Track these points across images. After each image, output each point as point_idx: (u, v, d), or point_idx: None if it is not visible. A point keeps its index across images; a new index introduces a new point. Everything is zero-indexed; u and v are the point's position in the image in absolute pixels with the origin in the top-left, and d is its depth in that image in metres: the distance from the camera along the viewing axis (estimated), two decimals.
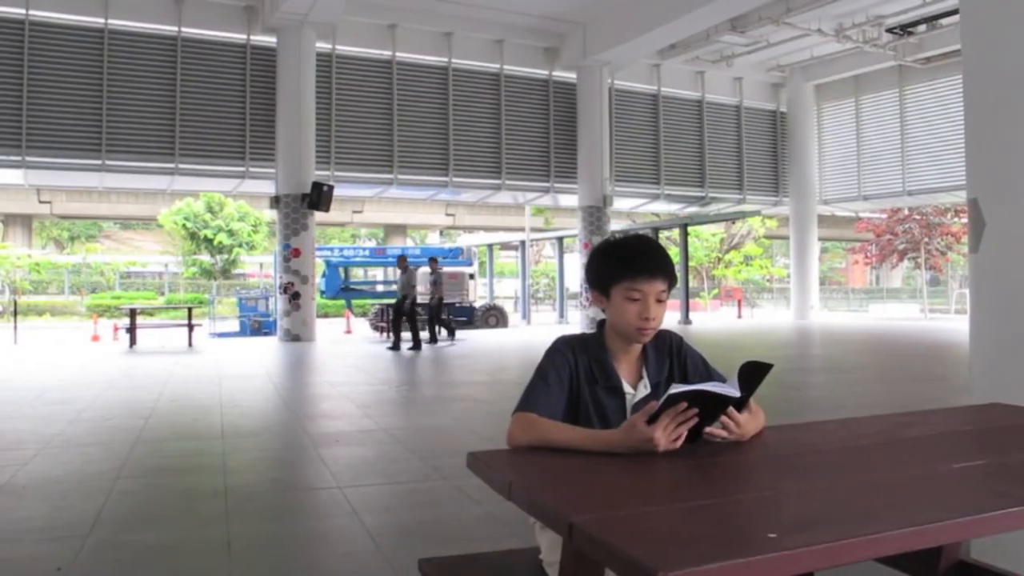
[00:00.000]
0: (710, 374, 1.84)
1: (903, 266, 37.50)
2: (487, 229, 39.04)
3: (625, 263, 1.76)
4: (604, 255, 1.81)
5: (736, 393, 1.53)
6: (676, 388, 1.49)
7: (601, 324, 1.86)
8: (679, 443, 1.52)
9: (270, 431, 6.03)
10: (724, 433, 1.59)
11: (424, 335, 14.03)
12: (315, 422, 6.29)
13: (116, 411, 6.75)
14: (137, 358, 12.12)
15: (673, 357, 1.85)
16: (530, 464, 1.56)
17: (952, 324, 20.15)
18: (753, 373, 1.57)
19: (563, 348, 1.81)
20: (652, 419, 1.49)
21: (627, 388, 1.80)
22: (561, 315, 25.34)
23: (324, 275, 22.16)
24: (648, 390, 1.79)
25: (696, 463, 1.51)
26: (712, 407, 1.54)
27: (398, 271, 13.76)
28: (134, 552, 3.14)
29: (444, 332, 15.17)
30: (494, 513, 3.48)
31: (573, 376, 1.78)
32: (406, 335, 13.24)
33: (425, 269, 14.47)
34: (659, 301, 1.75)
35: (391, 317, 13.77)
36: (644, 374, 1.82)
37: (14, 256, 32.30)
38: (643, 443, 1.50)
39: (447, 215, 39.10)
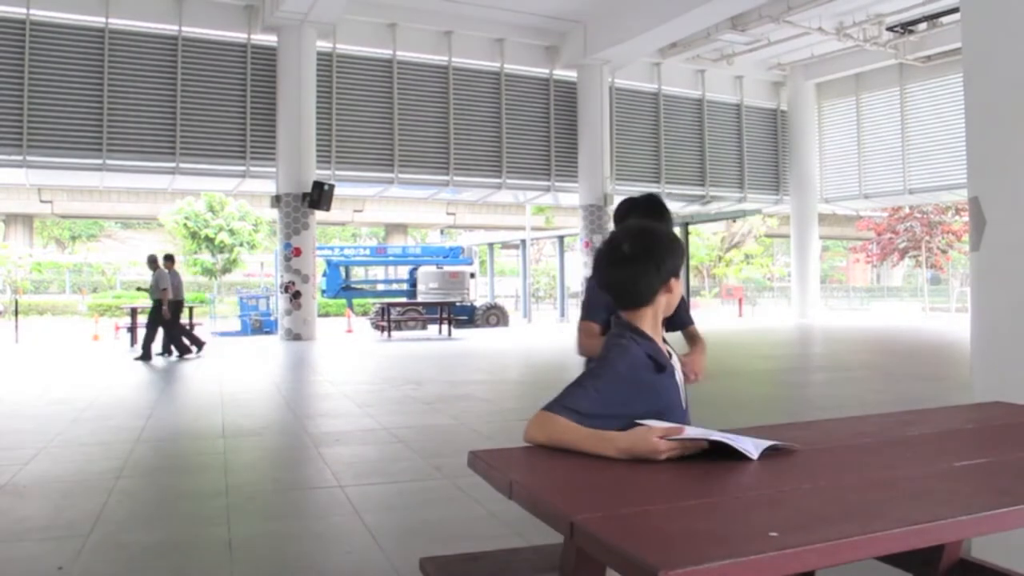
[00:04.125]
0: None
1: (904, 264, 37.46)
2: (488, 228, 38.98)
3: (681, 252, 1.86)
4: (671, 245, 1.82)
5: (754, 454, 1.49)
6: (713, 435, 1.51)
7: (623, 322, 1.82)
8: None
9: (271, 430, 6.03)
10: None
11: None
12: (316, 421, 6.29)
13: (117, 410, 6.76)
14: None
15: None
16: (531, 463, 1.56)
17: (953, 323, 20.13)
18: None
19: (637, 352, 1.76)
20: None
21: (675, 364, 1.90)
22: (562, 314, 25.35)
23: (325, 274, 22.16)
24: (677, 362, 1.90)
25: (697, 462, 1.50)
26: (721, 447, 1.52)
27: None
28: (135, 551, 3.15)
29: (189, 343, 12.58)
30: (495, 512, 3.48)
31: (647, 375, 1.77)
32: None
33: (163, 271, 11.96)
34: None
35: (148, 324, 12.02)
36: (670, 349, 1.90)
37: (15, 256, 32.32)
38: (647, 454, 1.49)
39: (448, 214, 39.08)
